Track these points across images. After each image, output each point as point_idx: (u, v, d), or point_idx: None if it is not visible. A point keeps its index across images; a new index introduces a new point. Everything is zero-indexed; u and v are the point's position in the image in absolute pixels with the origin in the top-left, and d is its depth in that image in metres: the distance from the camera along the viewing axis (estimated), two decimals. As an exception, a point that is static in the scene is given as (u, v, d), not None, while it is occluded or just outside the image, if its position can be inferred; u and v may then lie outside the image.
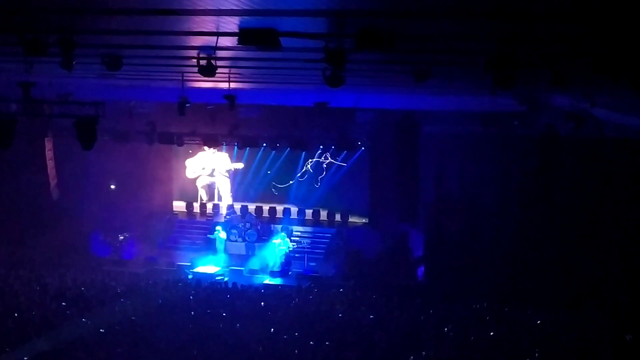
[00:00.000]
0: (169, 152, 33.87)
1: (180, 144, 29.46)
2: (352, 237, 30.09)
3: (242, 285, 24.77)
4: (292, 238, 30.52)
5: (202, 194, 35.07)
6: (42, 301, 21.70)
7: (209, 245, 30.52)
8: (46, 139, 28.45)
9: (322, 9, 9.48)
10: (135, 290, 23.46)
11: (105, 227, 31.09)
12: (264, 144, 29.49)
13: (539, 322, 20.80)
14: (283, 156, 32.28)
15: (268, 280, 27.23)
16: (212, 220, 33.24)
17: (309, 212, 33.03)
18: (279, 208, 33.42)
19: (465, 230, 25.68)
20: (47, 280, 24.53)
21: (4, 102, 19.68)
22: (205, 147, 32.44)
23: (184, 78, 18.88)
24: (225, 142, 29.24)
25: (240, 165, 34.16)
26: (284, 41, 10.72)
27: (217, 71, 13.67)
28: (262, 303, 22.10)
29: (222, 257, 29.62)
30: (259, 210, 33.35)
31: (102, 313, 20.60)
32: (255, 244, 30.65)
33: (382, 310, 21.64)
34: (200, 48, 13.24)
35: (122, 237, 30.81)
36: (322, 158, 32.27)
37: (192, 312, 20.83)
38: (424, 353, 17.42)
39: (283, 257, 28.42)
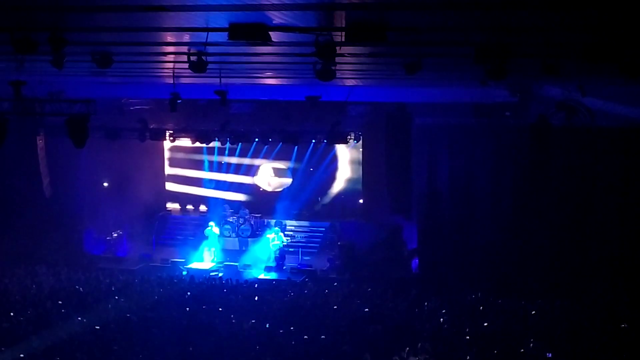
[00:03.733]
0: (162, 149, 33.89)
1: (172, 141, 29.49)
2: (345, 231, 30.10)
3: (236, 281, 24.80)
4: (285, 232, 30.53)
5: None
6: (37, 300, 21.69)
7: (203, 241, 30.49)
8: (38, 137, 28.40)
9: (312, 3, 9.47)
10: (130, 287, 23.44)
11: (98, 225, 31.03)
12: (256, 139, 29.48)
13: (533, 312, 20.87)
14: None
15: (262, 275, 27.23)
16: (205, 216, 33.22)
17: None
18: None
19: (459, 221, 25.68)
20: (41, 278, 24.53)
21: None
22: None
23: (175, 74, 18.87)
24: (217, 137, 29.22)
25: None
26: (275, 36, 10.72)
27: (207, 67, 13.67)
28: (257, 298, 22.15)
29: (216, 252, 29.58)
30: (252, 205, 33.33)
31: (97, 311, 20.58)
32: (249, 239, 30.68)
33: (377, 303, 21.69)
34: (191, 44, 13.23)
35: (115, 235, 30.79)
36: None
37: (187, 308, 20.84)
38: (419, 345, 17.45)
39: (277, 252, 28.40)
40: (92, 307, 20.96)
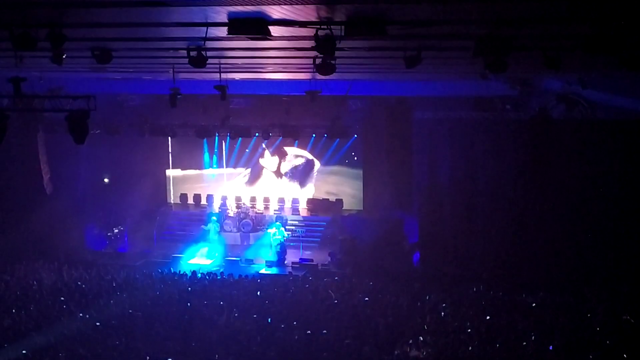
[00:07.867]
0: (162, 144, 33.86)
1: (173, 136, 29.47)
2: (346, 225, 30.08)
3: (238, 276, 24.78)
4: (287, 227, 30.50)
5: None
6: (38, 296, 21.71)
7: (204, 237, 30.49)
8: (38, 133, 28.41)
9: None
10: (131, 283, 23.46)
11: (99, 221, 31.07)
12: (257, 134, 29.51)
13: (534, 305, 20.88)
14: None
15: (264, 270, 27.23)
16: (206, 211, 33.23)
17: (303, 201, 33.10)
18: (274, 197, 33.43)
19: (460, 215, 25.67)
20: (42, 274, 24.54)
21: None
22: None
23: (175, 70, 18.85)
24: (217, 132, 29.23)
25: None
26: (274, 30, 10.70)
27: (207, 62, 13.64)
28: (259, 293, 22.15)
29: (217, 247, 29.58)
30: (253, 200, 33.36)
31: (99, 306, 20.63)
32: (250, 234, 30.66)
33: (379, 297, 21.69)
34: (190, 39, 13.20)
35: (116, 230, 30.79)
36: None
37: (189, 304, 20.84)
38: (421, 338, 17.49)
39: (278, 247, 28.38)
40: (93, 303, 21.00)
